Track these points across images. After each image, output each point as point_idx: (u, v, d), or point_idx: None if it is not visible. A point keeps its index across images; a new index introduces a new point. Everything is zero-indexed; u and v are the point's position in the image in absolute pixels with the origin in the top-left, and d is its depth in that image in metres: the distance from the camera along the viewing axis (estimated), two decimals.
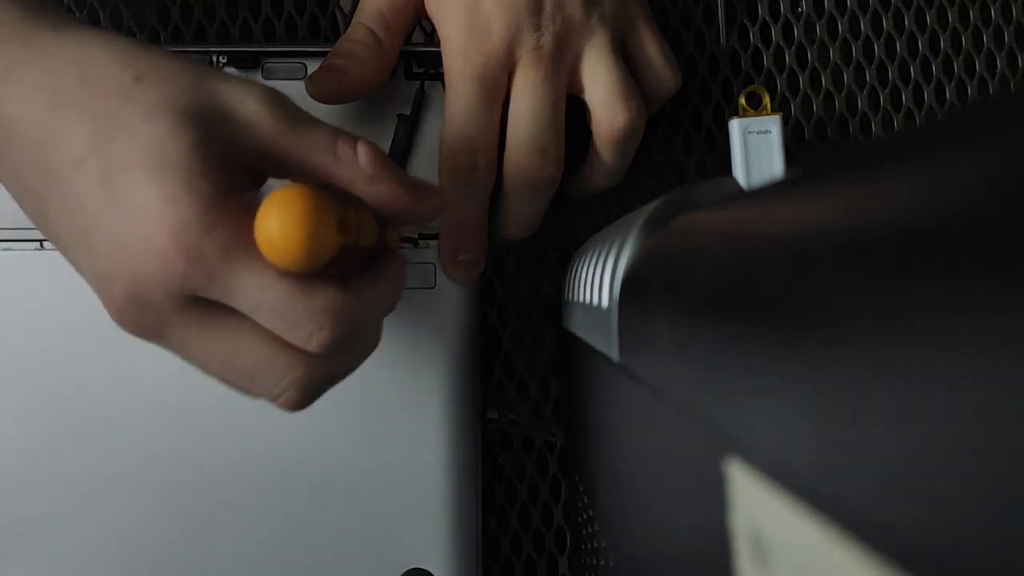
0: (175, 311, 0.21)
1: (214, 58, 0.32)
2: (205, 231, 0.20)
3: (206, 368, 0.22)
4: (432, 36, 0.36)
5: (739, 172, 0.35)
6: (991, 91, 0.39)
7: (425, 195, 0.24)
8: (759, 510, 0.09)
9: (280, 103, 0.22)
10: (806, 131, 0.38)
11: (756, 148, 0.35)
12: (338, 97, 0.31)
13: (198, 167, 0.20)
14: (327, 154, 0.22)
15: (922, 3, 0.39)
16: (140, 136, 0.20)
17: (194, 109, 0.21)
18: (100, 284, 0.21)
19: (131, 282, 0.20)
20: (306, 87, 0.30)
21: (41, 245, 0.32)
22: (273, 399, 0.23)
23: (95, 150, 0.20)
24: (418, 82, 0.33)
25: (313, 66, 0.33)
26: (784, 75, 0.38)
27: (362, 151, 0.23)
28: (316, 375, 0.23)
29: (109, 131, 0.20)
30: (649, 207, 0.19)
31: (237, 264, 0.20)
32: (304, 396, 0.23)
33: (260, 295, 0.21)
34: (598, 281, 0.22)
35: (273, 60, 0.33)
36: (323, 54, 0.33)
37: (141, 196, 0.20)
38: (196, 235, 0.20)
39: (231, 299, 0.21)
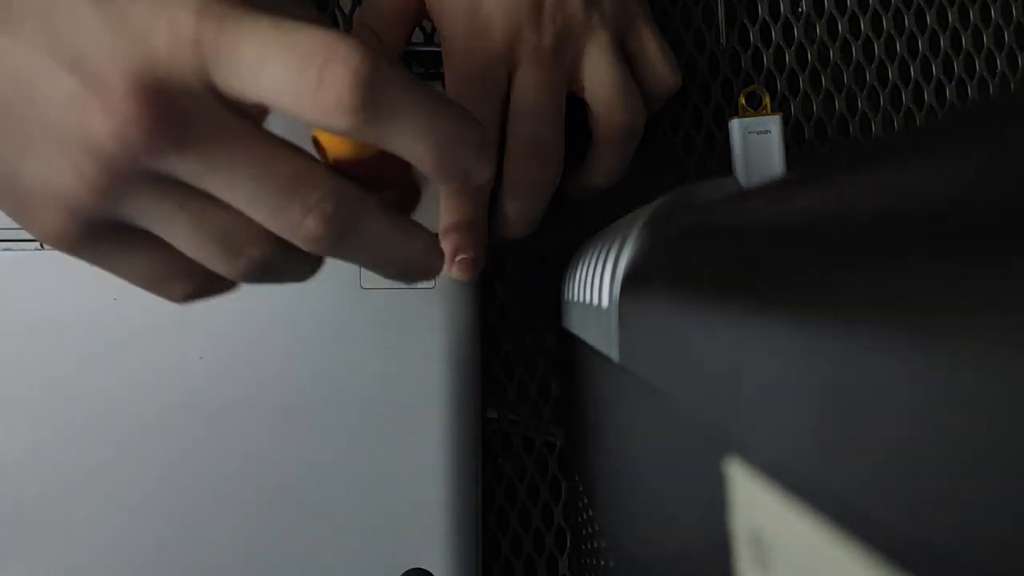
0: (203, 100, 0.17)
1: None
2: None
3: (232, 193, 0.18)
4: (432, 36, 0.36)
5: (739, 172, 0.35)
6: (991, 91, 0.39)
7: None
8: (759, 510, 0.09)
9: None
10: (806, 131, 0.38)
11: (756, 148, 0.35)
12: None
13: None
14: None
15: (922, 3, 0.39)
16: None
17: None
18: (87, 90, 0.16)
19: (147, 73, 0.16)
20: None
21: (41, 245, 0.32)
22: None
23: None
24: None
25: None
26: (784, 75, 0.38)
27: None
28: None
29: None
30: (649, 207, 0.19)
31: (247, 32, 0.17)
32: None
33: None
34: (598, 281, 0.22)
35: None
36: None
37: None
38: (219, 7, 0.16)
39: (250, 78, 0.17)
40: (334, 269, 0.32)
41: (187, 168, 0.17)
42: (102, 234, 0.18)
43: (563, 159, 0.31)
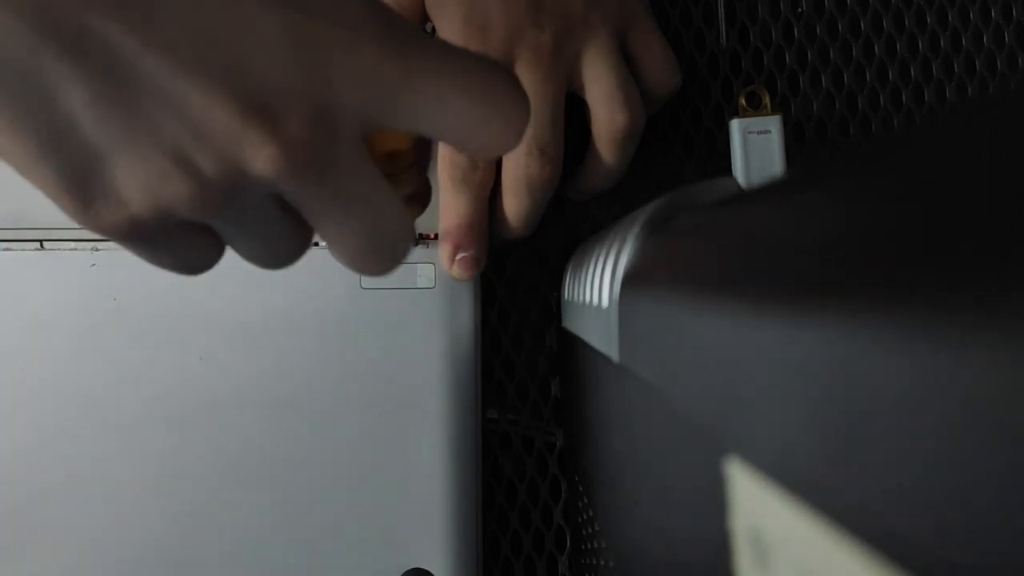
0: (352, 141, 0.17)
1: None
2: (400, 26, 0.17)
3: (352, 215, 0.18)
4: (432, 36, 0.36)
5: (739, 172, 0.35)
6: (991, 91, 0.39)
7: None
8: (759, 510, 0.09)
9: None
10: (806, 131, 0.38)
11: (756, 148, 0.35)
12: None
13: None
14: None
15: (922, 3, 0.39)
16: None
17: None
18: (252, 114, 0.15)
19: (317, 106, 0.16)
20: None
21: (41, 245, 0.32)
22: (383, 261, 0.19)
23: None
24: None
25: None
26: (784, 75, 0.38)
27: None
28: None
29: None
30: (649, 207, 0.19)
31: (428, 62, 0.17)
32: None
33: (459, 78, 0.17)
34: (598, 281, 0.22)
35: None
36: None
37: None
38: (395, 37, 0.16)
39: (422, 105, 0.17)
40: (334, 269, 0.32)
41: (312, 196, 0.17)
42: (165, 231, 0.17)
43: (563, 159, 0.31)
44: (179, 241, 0.18)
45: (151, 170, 0.16)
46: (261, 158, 0.16)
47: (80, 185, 0.16)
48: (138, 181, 0.16)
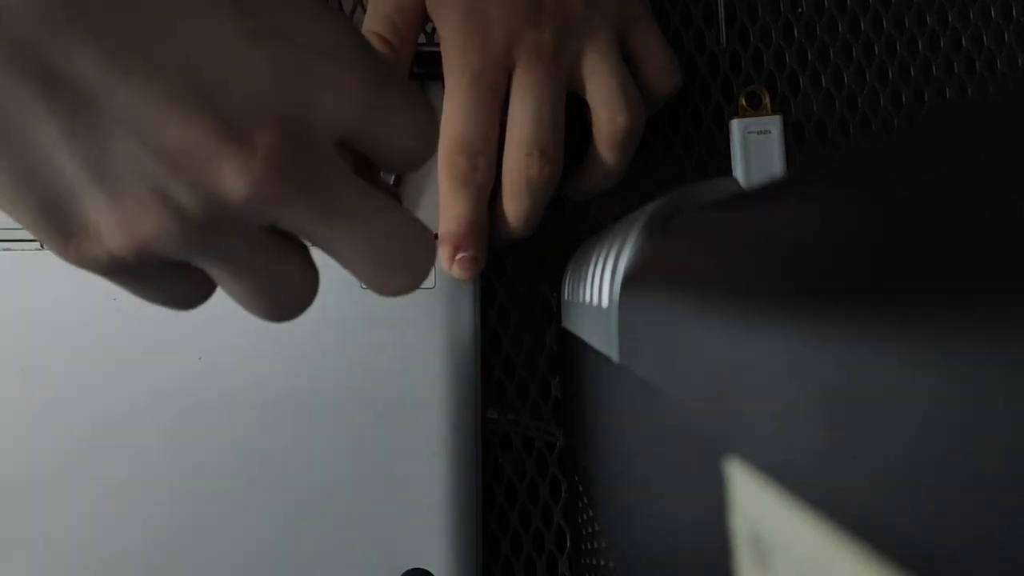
0: (331, 158, 0.17)
1: None
2: (374, 56, 0.17)
3: (350, 230, 0.18)
4: (432, 36, 0.36)
5: (739, 172, 0.35)
6: (991, 91, 0.39)
7: None
8: (759, 510, 0.09)
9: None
10: (806, 131, 0.38)
11: (756, 148, 0.35)
12: None
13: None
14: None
15: (922, 3, 0.39)
16: None
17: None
18: (222, 136, 0.15)
19: (291, 122, 0.16)
20: None
21: (41, 245, 0.32)
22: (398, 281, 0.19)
23: None
24: (418, 82, 0.33)
25: None
26: (784, 75, 0.38)
27: None
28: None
29: None
30: (649, 207, 0.19)
31: (401, 97, 0.18)
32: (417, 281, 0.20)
33: (420, 112, 0.19)
34: (598, 281, 0.22)
35: None
36: None
37: (301, 17, 0.16)
38: (374, 64, 0.17)
39: (387, 130, 0.18)
40: (334, 269, 0.32)
41: (304, 217, 0.17)
42: (150, 267, 0.17)
43: (563, 159, 0.31)
44: (165, 279, 0.18)
45: (127, 205, 0.15)
46: (234, 175, 0.15)
47: (57, 221, 0.16)
48: (115, 217, 0.16)
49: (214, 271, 0.18)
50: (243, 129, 0.15)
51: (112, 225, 0.16)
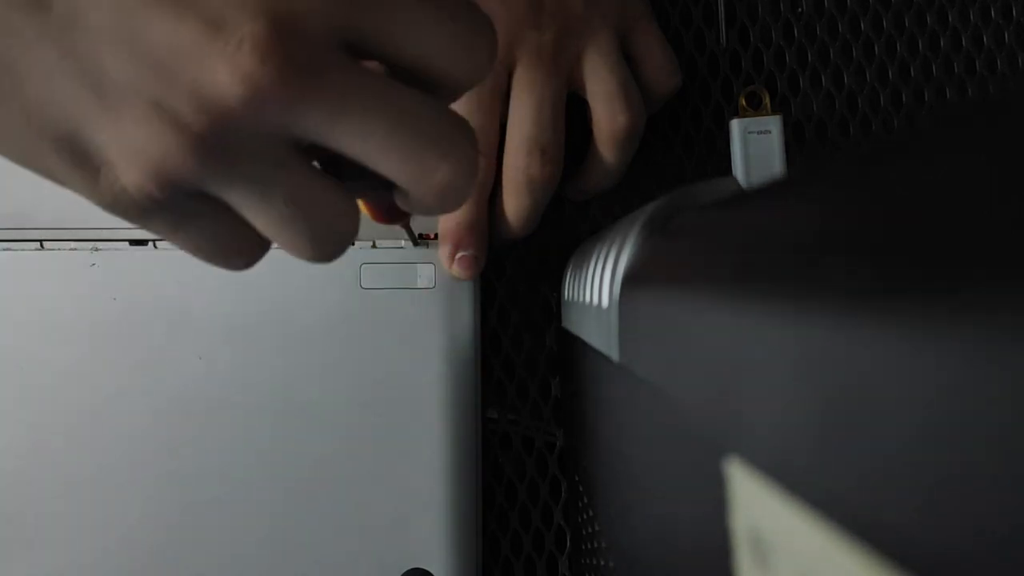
0: (330, 50, 0.15)
1: None
2: None
3: (372, 128, 0.16)
4: None
5: (739, 172, 0.35)
6: (991, 91, 0.39)
7: None
8: (759, 510, 0.09)
9: None
10: (806, 131, 0.38)
11: (756, 148, 0.35)
12: None
13: None
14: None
15: (922, 3, 0.39)
16: None
17: None
18: (207, 33, 0.14)
19: (276, 6, 0.14)
20: None
21: (41, 245, 0.32)
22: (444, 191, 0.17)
23: None
24: None
25: None
26: (784, 75, 0.38)
27: None
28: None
29: None
30: (649, 207, 0.19)
31: None
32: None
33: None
34: (598, 281, 0.22)
35: None
36: None
37: None
38: None
39: (396, 18, 0.16)
40: (334, 269, 0.32)
41: (315, 119, 0.15)
42: (178, 202, 0.16)
43: (563, 159, 0.31)
44: (202, 218, 0.17)
45: (132, 127, 0.15)
46: (226, 74, 0.14)
47: (80, 159, 0.15)
48: (125, 145, 0.15)
49: (244, 204, 0.17)
50: (229, 24, 0.14)
51: (123, 154, 0.15)
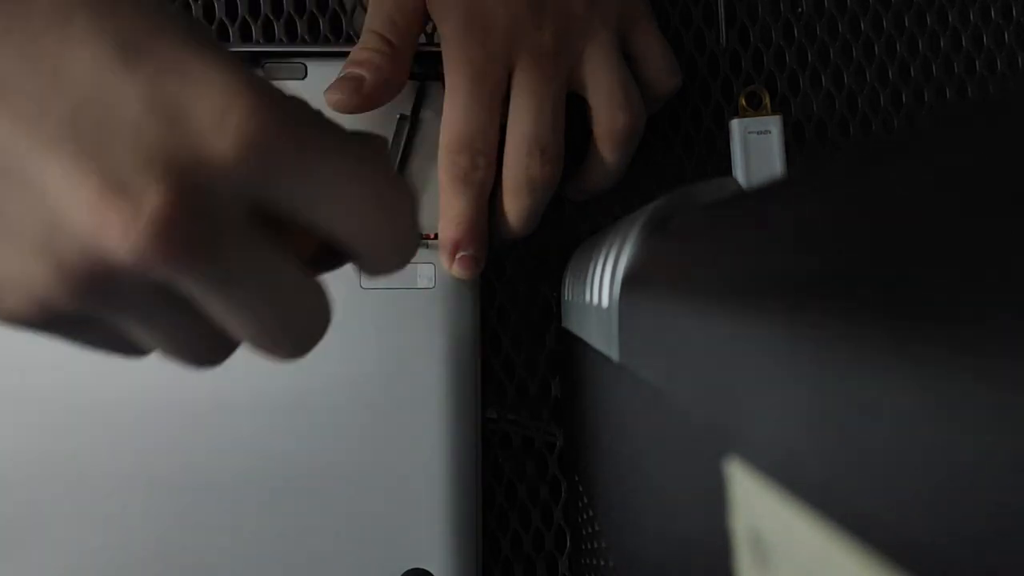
0: (234, 218, 0.15)
1: None
2: (281, 98, 0.15)
3: (247, 303, 0.16)
4: (432, 36, 0.36)
5: (739, 172, 0.35)
6: (991, 91, 0.39)
7: None
8: (759, 510, 0.09)
9: None
10: (806, 131, 0.38)
11: (756, 148, 0.35)
12: (360, 106, 0.31)
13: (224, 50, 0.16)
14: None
15: (922, 3, 0.39)
16: (146, 8, 0.15)
17: None
18: (106, 193, 0.14)
19: (182, 176, 0.14)
20: (327, 99, 0.30)
21: None
22: (281, 347, 0.18)
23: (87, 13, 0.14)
24: (418, 82, 0.33)
25: (313, 66, 0.33)
26: (784, 75, 0.38)
27: None
28: (324, 323, 0.19)
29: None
30: (649, 207, 0.19)
31: (326, 130, 0.16)
32: (307, 347, 0.19)
33: (360, 166, 0.16)
34: (598, 281, 0.22)
35: (273, 60, 0.33)
36: (323, 55, 0.33)
37: (200, 64, 0.15)
38: (273, 103, 0.15)
39: (309, 189, 0.16)
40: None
41: (195, 286, 0.16)
42: (66, 319, 0.16)
43: (563, 159, 0.31)
44: (91, 332, 0.17)
45: (15, 261, 0.15)
46: (117, 238, 0.14)
47: None
48: (13, 272, 0.15)
49: (124, 326, 0.17)
50: (130, 189, 0.14)
51: (9, 282, 0.15)
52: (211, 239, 0.15)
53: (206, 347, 0.18)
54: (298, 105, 0.16)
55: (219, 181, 0.15)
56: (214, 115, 0.14)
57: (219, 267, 0.15)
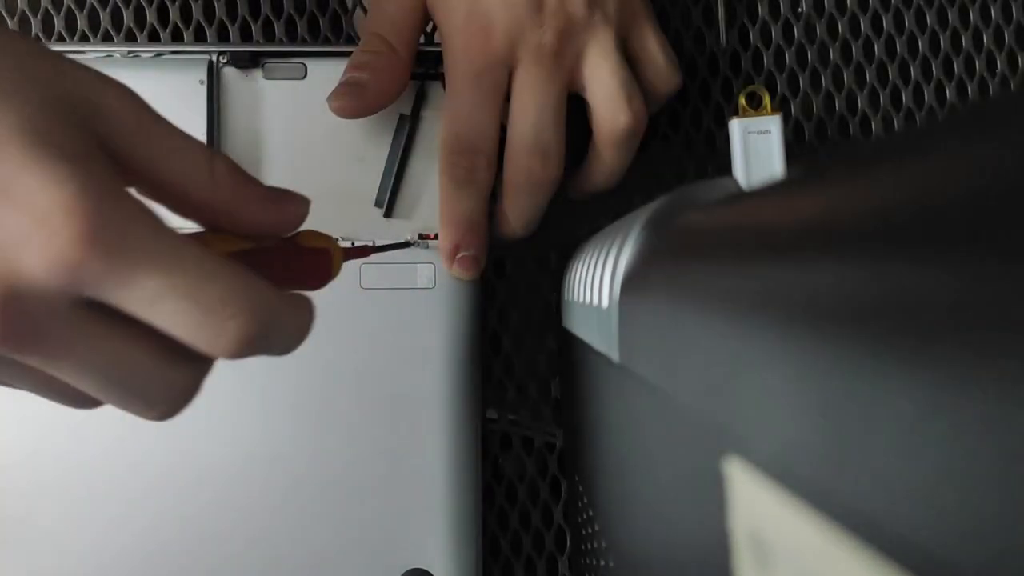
0: (57, 316, 0.17)
1: (214, 58, 0.32)
2: (105, 211, 0.16)
3: (79, 382, 0.19)
4: (432, 36, 0.36)
5: (739, 172, 0.35)
6: (991, 91, 0.39)
7: (283, 206, 0.22)
8: (759, 510, 0.09)
9: (141, 100, 0.19)
10: (806, 131, 0.38)
11: (756, 148, 0.35)
12: (363, 110, 0.31)
13: (81, 146, 0.17)
14: (196, 165, 0.20)
15: (922, 3, 0.39)
16: (4, 113, 0.16)
17: (59, 90, 0.18)
18: None
19: (6, 281, 0.16)
20: (329, 104, 0.30)
21: None
22: (143, 412, 0.20)
23: None
24: (418, 82, 0.33)
25: (313, 66, 0.33)
26: (784, 75, 0.38)
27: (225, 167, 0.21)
28: (194, 387, 0.21)
29: None
30: (649, 207, 0.19)
31: (145, 245, 0.17)
32: (175, 410, 0.21)
33: (173, 276, 0.17)
34: (598, 281, 0.22)
35: (273, 60, 0.33)
36: (323, 54, 0.33)
37: (21, 177, 0.16)
38: (95, 216, 0.16)
39: (134, 290, 0.17)
40: None
41: (33, 364, 0.18)
42: None
43: (564, 159, 0.31)
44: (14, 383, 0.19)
45: None
46: None
47: None
48: None
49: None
50: None
51: None
52: (33, 331, 0.17)
53: (71, 398, 0.20)
54: (128, 216, 0.17)
55: (37, 287, 0.16)
56: (28, 232, 0.16)
57: (44, 353, 0.17)
